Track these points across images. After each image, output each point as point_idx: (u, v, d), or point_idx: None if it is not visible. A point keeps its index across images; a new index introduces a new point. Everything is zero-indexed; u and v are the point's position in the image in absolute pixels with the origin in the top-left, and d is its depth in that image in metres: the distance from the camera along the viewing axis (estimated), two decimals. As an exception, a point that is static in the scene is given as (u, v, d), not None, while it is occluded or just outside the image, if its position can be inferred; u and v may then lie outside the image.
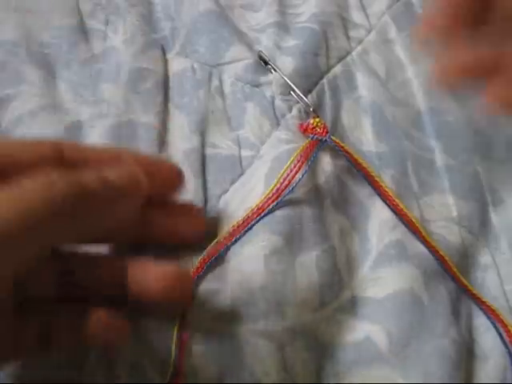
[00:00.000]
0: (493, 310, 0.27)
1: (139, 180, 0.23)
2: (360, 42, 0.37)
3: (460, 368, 0.26)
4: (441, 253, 0.28)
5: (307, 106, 0.32)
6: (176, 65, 0.35)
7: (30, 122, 0.32)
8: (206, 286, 0.27)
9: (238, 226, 0.27)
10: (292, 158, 0.29)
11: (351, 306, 0.27)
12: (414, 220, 0.28)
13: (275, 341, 0.26)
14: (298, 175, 0.28)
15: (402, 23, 0.37)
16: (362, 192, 0.30)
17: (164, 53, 0.36)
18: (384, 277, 0.27)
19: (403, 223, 0.28)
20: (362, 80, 0.35)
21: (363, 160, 0.30)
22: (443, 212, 0.30)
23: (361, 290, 0.27)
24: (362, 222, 0.29)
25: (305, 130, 0.30)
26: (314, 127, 0.30)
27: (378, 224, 0.29)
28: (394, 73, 0.35)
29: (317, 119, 0.30)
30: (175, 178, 0.26)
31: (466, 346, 0.26)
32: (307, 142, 0.30)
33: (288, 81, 0.32)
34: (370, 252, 0.28)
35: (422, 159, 0.32)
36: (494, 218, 0.31)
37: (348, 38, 0.37)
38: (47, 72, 0.34)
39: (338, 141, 0.30)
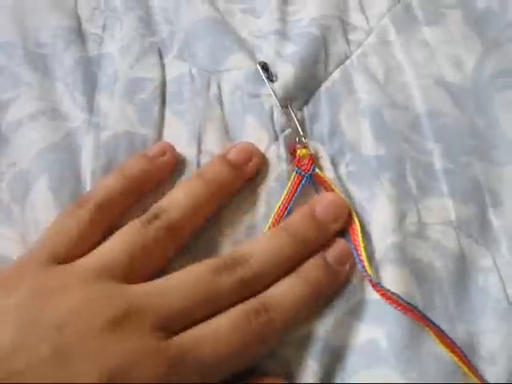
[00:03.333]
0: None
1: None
2: (359, 45, 0.36)
3: (457, 371, 0.25)
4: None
5: (297, 133, 0.32)
6: (174, 70, 0.35)
7: (30, 125, 0.32)
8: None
9: None
10: (282, 198, 0.30)
11: (359, 309, 0.27)
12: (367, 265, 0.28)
13: (281, 356, 0.26)
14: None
15: (402, 25, 0.37)
16: (361, 195, 0.30)
17: (161, 57, 0.36)
18: (385, 279, 0.27)
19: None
20: (360, 83, 0.34)
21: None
22: (442, 215, 0.30)
23: (367, 292, 0.28)
24: (363, 225, 0.29)
25: (293, 156, 0.31)
26: (299, 158, 0.31)
27: (379, 227, 0.29)
28: (393, 75, 0.35)
29: (303, 150, 0.31)
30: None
31: (467, 350, 0.26)
32: (293, 178, 0.30)
33: (278, 104, 0.32)
34: (372, 254, 0.28)
35: (421, 162, 0.32)
36: (494, 220, 0.30)
37: (347, 41, 0.37)
38: (44, 73, 0.34)
39: (321, 175, 0.30)
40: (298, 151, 0.31)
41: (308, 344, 0.26)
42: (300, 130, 0.32)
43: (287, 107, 0.33)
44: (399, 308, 0.26)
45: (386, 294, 0.26)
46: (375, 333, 0.26)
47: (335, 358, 0.26)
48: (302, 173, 0.30)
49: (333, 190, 0.30)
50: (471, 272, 0.29)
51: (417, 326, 0.26)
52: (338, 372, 0.26)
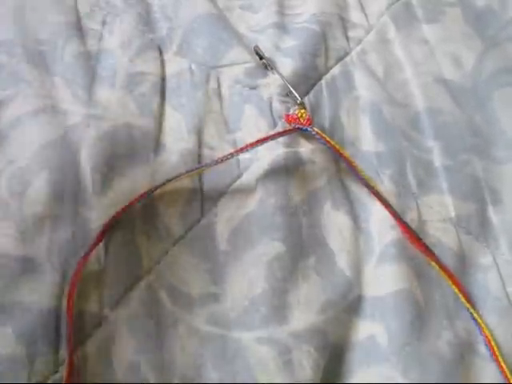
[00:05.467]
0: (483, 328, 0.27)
1: None
2: (359, 42, 0.37)
3: (457, 368, 0.26)
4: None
5: (296, 98, 0.32)
6: (173, 65, 0.35)
7: (29, 123, 0.32)
8: (203, 289, 0.27)
9: None
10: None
11: (357, 306, 0.27)
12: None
13: (279, 346, 0.26)
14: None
15: (401, 23, 0.37)
16: (362, 192, 0.30)
17: (161, 53, 0.35)
18: (385, 275, 0.28)
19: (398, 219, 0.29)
20: (360, 80, 0.34)
21: (345, 151, 0.30)
22: (441, 212, 0.30)
23: (366, 288, 0.28)
24: (364, 221, 0.30)
25: (290, 121, 0.31)
26: (297, 118, 0.30)
27: (379, 222, 0.29)
28: (393, 73, 0.35)
29: (302, 111, 0.31)
30: None
31: (466, 347, 0.26)
32: (287, 129, 0.30)
33: (280, 75, 0.32)
34: (374, 250, 0.29)
35: (421, 159, 0.32)
36: (494, 218, 0.30)
37: (347, 38, 0.37)
38: (44, 70, 0.34)
39: (319, 131, 0.30)
40: (297, 112, 0.31)
41: (310, 336, 0.26)
42: (296, 95, 0.32)
43: (287, 95, 0.33)
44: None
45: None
46: (375, 329, 0.26)
47: (335, 355, 0.26)
48: (301, 126, 0.30)
49: (334, 147, 0.30)
50: (471, 269, 0.29)
51: (417, 321, 0.26)
52: (339, 369, 0.26)
